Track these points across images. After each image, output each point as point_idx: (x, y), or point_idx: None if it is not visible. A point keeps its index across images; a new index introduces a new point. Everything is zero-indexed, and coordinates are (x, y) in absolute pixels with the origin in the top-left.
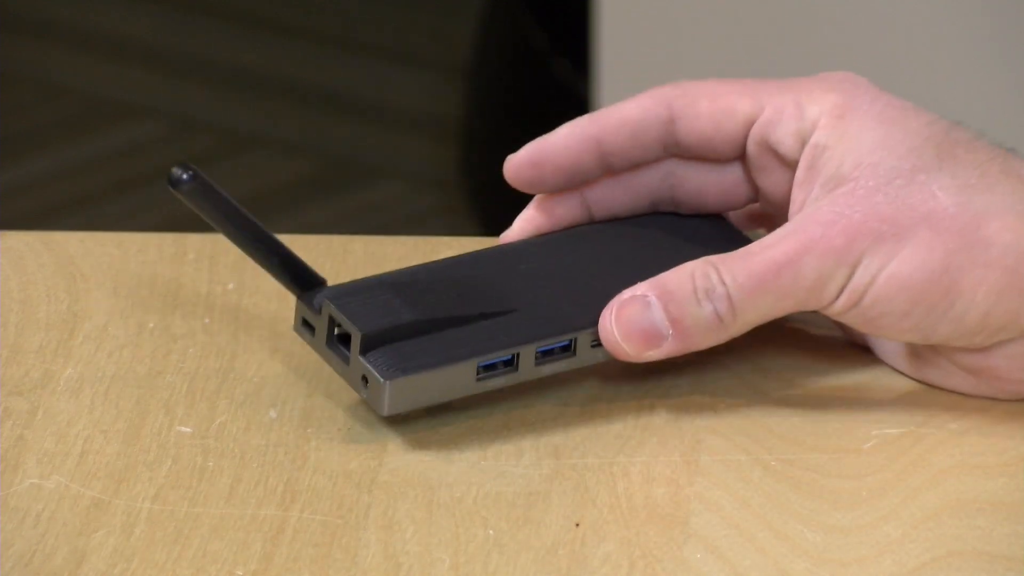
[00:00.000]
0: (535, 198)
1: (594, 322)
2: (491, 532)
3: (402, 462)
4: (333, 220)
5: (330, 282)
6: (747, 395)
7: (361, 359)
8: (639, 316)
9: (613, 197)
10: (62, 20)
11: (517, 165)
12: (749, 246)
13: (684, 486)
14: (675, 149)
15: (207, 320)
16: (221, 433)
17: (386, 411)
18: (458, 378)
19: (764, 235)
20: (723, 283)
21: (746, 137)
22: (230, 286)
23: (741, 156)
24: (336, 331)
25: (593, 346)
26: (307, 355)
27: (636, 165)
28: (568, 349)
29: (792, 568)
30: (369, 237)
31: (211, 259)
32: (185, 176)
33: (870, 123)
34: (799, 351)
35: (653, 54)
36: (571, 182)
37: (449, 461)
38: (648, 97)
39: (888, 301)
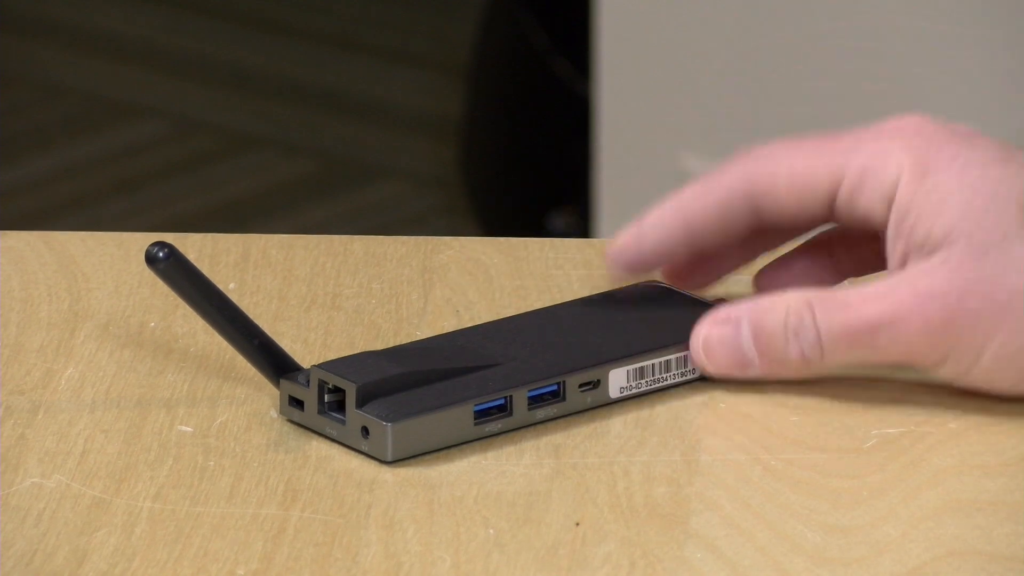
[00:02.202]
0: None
1: (581, 367)
2: (492, 531)
3: (403, 461)
4: (333, 220)
5: (329, 281)
6: (747, 395)
7: (359, 411)
8: (730, 339)
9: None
10: (62, 20)
11: (621, 251)
12: (848, 293)
13: (684, 486)
14: (759, 226)
15: None
16: (222, 432)
17: (390, 456)
18: (456, 422)
19: None
20: (815, 328)
21: (830, 208)
22: (231, 286)
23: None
24: (326, 399)
25: (582, 390)
26: (307, 355)
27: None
28: (558, 394)
29: (792, 568)
30: (369, 237)
31: (212, 259)
32: (161, 254)
33: (954, 184)
34: None
35: (653, 54)
36: (663, 262)
37: (450, 461)
38: (729, 179)
39: (994, 376)
